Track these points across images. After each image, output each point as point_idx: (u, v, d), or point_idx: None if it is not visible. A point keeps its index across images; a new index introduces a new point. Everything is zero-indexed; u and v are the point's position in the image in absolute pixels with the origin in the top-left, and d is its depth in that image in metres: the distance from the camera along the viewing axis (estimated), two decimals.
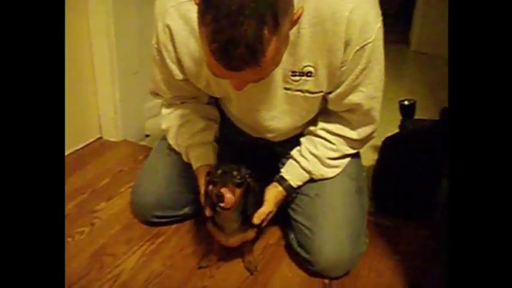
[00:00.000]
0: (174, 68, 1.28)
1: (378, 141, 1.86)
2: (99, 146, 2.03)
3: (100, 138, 2.08)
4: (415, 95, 1.90)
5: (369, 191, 1.69)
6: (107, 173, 1.84)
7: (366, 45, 1.14)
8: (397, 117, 1.79)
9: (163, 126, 1.47)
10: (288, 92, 1.25)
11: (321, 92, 1.24)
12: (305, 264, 1.36)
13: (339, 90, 1.24)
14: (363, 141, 1.38)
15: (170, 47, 1.25)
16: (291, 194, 1.38)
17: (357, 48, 1.14)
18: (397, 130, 1.79)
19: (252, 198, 1.25)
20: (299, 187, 1.38)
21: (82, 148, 2.00)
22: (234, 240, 1.30)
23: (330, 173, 1.38)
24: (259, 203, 1.30)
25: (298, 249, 1.37)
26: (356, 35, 1.12)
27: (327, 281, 1.35)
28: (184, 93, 1.40)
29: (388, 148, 1.75)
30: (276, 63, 1.01)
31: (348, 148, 1.37)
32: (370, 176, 1.77)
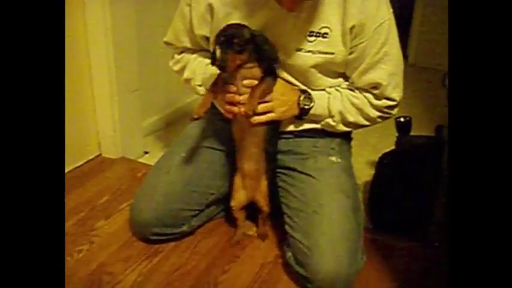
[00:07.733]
0: (196, 22, 1.40)
1: (374, 157, 1.88)
2: (98, 164, 2.04)
3: (99, 155, 2.09)
4: (412, 110, 1.92)
5: (366, 208, 1.70)
6: (106, 190, 1.84)
7: (383, 22, 1.29)
8: (394, 133, 1.80)
9: (177, 68, 1.55)
10: (299, 53, 1.32)
11: (332, 54, 1.32)
12: (303, 282, 1.36)
13: (362, 66, 1.34)
14: (381, 110, 1.42)
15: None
16: (303, 105, 1.39)
17: (376, 25, 1.29)
18: (393, 147, 1.80)
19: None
20: (309, 111, 1.40)
21: (81, 165, 2.00)
22: (248, 166, 1.42)
23: (341, 122, 1.43)
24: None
25: (296, 267, 1.37)
26: (372, 13, 1.28)
27: None
28: (198, 46, 1.50)
29: (385, 164, 1.76)
30: None
31: (368, 106, 1.41)
32: (367, 192, 1.78)
